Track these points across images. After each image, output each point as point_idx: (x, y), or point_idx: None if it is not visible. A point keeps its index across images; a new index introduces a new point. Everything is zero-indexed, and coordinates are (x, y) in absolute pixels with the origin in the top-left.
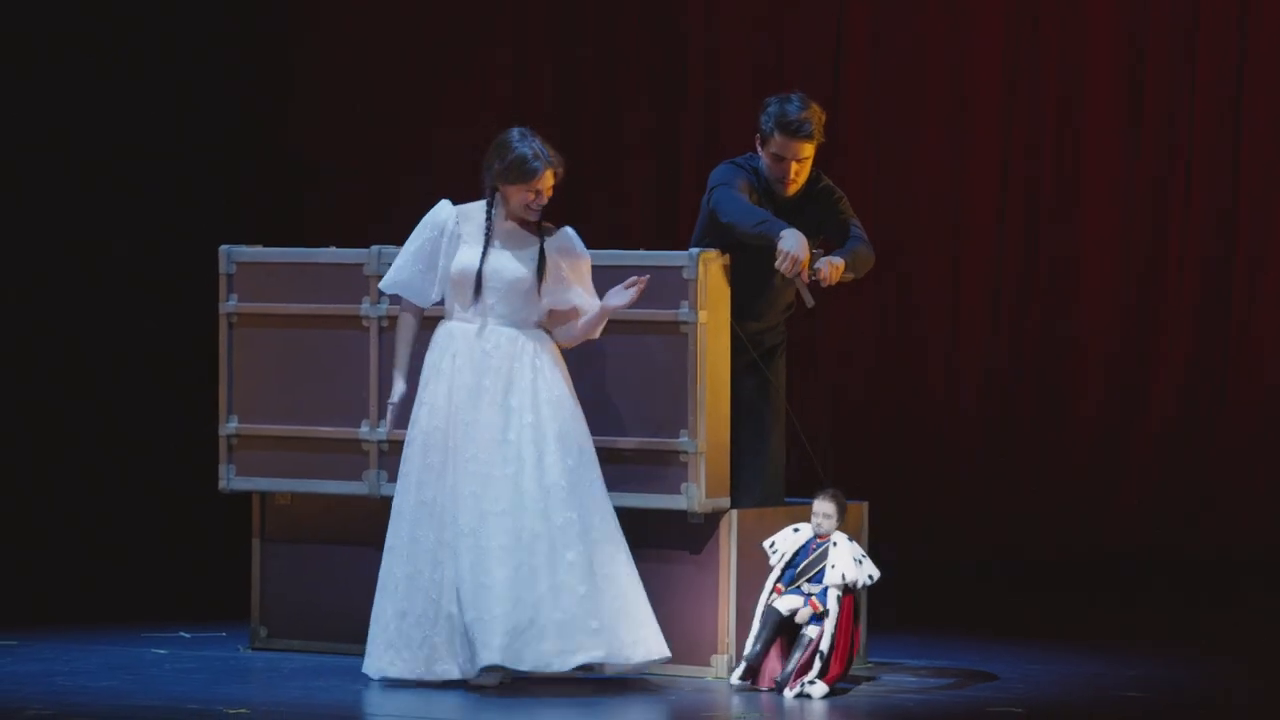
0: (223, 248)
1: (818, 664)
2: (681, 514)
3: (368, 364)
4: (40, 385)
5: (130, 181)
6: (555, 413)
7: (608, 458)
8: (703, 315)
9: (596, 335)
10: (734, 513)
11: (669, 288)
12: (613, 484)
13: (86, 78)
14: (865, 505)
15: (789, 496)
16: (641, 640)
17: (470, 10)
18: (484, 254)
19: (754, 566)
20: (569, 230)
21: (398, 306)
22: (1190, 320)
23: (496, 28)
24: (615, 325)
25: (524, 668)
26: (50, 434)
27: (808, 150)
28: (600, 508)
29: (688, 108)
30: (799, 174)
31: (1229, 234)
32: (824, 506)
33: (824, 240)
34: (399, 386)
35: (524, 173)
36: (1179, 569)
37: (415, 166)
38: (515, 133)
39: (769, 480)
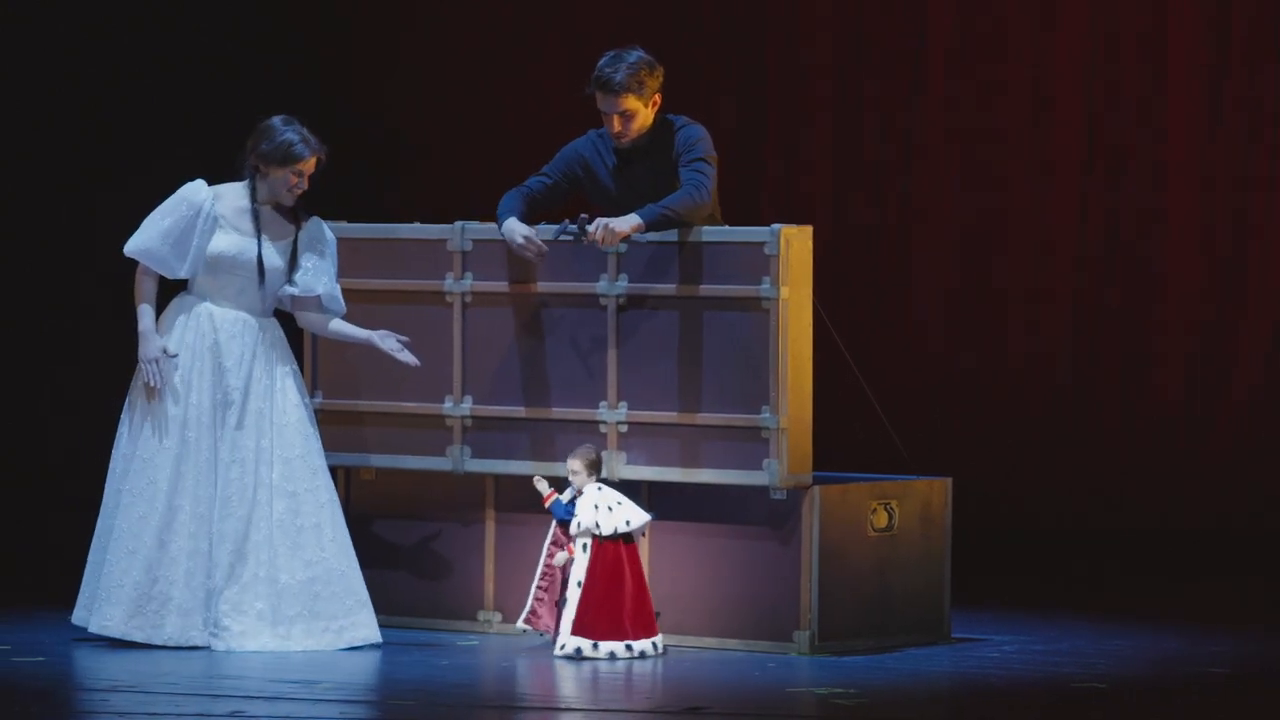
0: None
1: (568, 614)
2: (764, 490)
3: (451, 339)
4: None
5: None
6: (285, 407)
7: (689, 434)
8: (785, 291)
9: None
10: (816, 489)
11: (751, 263)
12: (694, 460)
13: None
14: (949, 481)
15: (861, 472)
16: (339, 627)
17: None
18: (259, 244)
19: (838, 543)
20: (318, 221)
21: (481, 283)
22: (1273, 295)
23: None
24: (697, 301)
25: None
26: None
27: (626, 103)
28: (305, 501)
29: (769, 107)
30: (625, 126)
31: None
32: (571, 464)
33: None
34: (162, 341)
35: (290, 155)
36: (1263, 545)
37: (502, 142)
38: (279, 119)
39: None
